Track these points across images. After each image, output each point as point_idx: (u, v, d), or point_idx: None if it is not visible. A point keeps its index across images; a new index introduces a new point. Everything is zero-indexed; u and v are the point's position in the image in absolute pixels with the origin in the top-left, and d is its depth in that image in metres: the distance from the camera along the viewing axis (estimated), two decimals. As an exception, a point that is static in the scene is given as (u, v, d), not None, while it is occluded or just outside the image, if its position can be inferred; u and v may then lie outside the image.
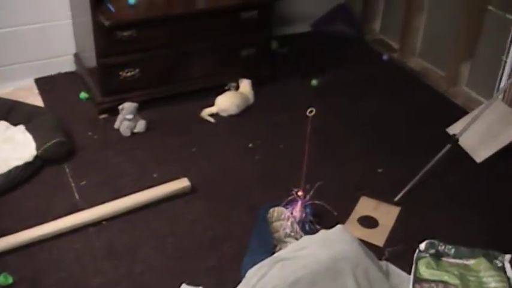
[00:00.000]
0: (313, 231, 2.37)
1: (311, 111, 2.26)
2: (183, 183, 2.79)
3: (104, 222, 2.62)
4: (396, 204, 2.79)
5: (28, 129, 3.10)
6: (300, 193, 2.43)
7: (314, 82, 3.79)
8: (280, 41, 4.20)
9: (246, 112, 3.48)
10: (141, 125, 3.23)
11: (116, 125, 3.23)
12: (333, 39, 4.43)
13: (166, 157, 3.07)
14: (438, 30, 3.92)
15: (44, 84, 3.69)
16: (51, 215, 2.61)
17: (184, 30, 3.36)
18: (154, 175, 2.91)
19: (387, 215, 2.71)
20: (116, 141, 3.17)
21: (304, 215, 2.43)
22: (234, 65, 3.63)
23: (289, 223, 2.40)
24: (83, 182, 2.86)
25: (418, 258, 2.38)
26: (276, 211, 2.47)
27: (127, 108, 3.16)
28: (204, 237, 2.57)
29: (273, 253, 2.25)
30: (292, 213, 2.43)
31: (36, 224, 2.54)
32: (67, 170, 2.94)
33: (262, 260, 2.17)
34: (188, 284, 2.30)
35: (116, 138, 3.20)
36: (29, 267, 2.39)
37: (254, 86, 3.58)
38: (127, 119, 3.18)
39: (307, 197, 2.45)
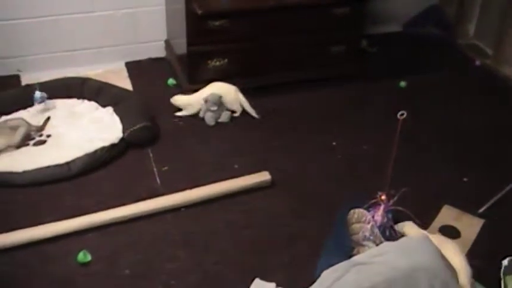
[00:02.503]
0: (393, 238, 2.31)
1: (402, 115, 2.19)
2: (263, 176, 2.78)
3: (182, 209, 2.64)
4: (480, 216, 2.68)
5: (116, 111, 3.17)
6: (383, 197, 2.37)
7: (402, 84, 3.70)
8: (370, 40, 4.13)
9: (330, 110, 3.43)
10: (225, 116, 3.24)
11: (201, 114, 3.25)
12: (425, 41, 4.32)
13: (248, 149, 3.06)
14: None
15: (133, 68, 3.76)
16: (131, 198, 2.65)
17: (276, 23, 3.35)
18: (235, 166, 2.91)
19: (470, 226, 2.62)
20: (200, 130, 3.20)
21: (385, 220, 2.38)
22: (322, 61, 3.59)
23: (369, 226, 2.34)
24: (165, 168, 2.89)
25: (505, 274, 2.29)
26: (356, 213, 2.42)
27: (211, 99, 3.17)
28: (280, 233, 2.55)
29: (350, 256, 2.20)
30: (373, 217, 2.38)
31: (116, 205, 2.59)
32: (150, 155, 2.99)
33: (339, 262, 2.13)
34: (261, 279, 2.29)
35: (200, 126, 3.22)
36: (107, 247, 2.44)
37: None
38: (211, 110, 3.20)
39: (391, 202, 2.39)
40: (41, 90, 3.20)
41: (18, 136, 2.90)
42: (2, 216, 2.57)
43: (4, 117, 3.09)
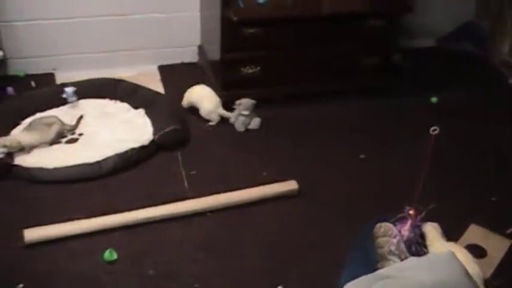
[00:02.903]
0: (418, 253, 2.30)
1: (434, 130, 2.18)
2: (291, 185, 2.79)
3: (208, 214, 2.66)
4: (508, 236, 2.65)
5: (147, 113, 3.20)
6: (411, 212, 2.36)
7: (434, 99, 3.68)
8: (403, 54, 4.11)
9: (360, 122, 3.44)
10: (255, 122, 3.26)
11: (231, 120, 3.27)
12: (458, 57, 4.28)
13: (276, 157, 3.07)
14: None
15: (166, 71, 3.80)
16: (159, 199, 2.67)
17: (309, 33, 3.36)
18: (264, 173, 2.92)
19: (497, 246, 2.59)
20: (229, 136, 3.22)
21: (412, 234, 2.37)
22: (355, 73, 3.59)
23: (395, 241, 2.33)
24: (193, 172, 2.91)
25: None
26: (382, 227, 2.41)
27: (244, 104, 3.19)
28: (304, 241, 2.56)
29: (375, 269, 2.19)
30: (400, 232, 2.37)
31: (143, 206, 2.62)
32: (179, 158, 3.01)
33: (363, 274, 2.12)
34: (284, 287, 2.30)
35: (229, 132, 3.24)
36: (132, 246, 2.47)
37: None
38: (243, 114, 3.21)
39: (418, 217, 2.38)
40: (74, 90, 3.26)
41: (51, 133, 2.94)
42: (31, 211, 2.61)
43: (39, 114, 3.14)
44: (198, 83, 3.48)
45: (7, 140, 2.79)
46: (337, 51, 3.49)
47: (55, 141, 2.97)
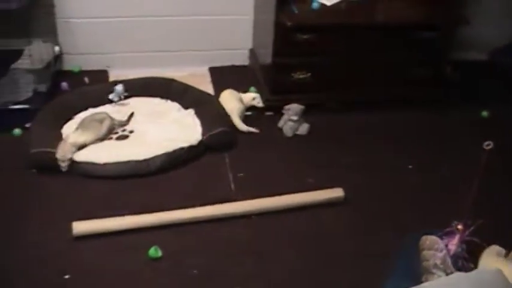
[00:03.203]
0: (465, 269, 2.26)
1: (488, 145, 2.15)
2: (337, 193, 2.78)
3: (253, 217, 2.67)
4: (557, 257, 2.59)
5: (197, 114, 3.23)
6: (459, 226, 2.33)
7: (485, 113, 3.62)
8: (454, 66, 4.05)
9: (409, 132, 3.41)
10: (304, 128, 3.26)
11: (280, 124, 3.28)
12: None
13: (323, 163, 3.07)
14: None
15: (216, 73, 3.82)
16: (205, 200, 2.69)
17: (361, 41, 3.35)
18: (310, 180, 2.92)
19: (545, 266, 2.53)
20: (277, 140, 3.23)
21: (459, 249, 2.33)
22: (405, 83, 3.56)
23: (441, 255, 2.31)
24: (240, 174, 2.93)
25: None
26: (428, 239, 2.38)
27: (293, 109, 3.20)
28: (348, 249, 2.55)
29: (420, 282, 2.17)
30: (447, 246, 2.34)
31: (189, 206, 2.64)
32: (226, 160, 3.03)
33: (407, 287, 2.10)
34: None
35: (277, 136, 3.25)
36: (176, 245, 2.50)
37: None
38: (292, 120, 3.22)
39: (467, 232, 2.34)
40: (127, 87, 3.34)
41: (103, 129, 2.99)
42: (79, 205, 2.67)
43: (91, 110, 3.20)
44: (248, 86, 3.52)
45: (69, 151, 2.81)
46: (388, 60, 3.47)
47: (107, 136, 3.01)
